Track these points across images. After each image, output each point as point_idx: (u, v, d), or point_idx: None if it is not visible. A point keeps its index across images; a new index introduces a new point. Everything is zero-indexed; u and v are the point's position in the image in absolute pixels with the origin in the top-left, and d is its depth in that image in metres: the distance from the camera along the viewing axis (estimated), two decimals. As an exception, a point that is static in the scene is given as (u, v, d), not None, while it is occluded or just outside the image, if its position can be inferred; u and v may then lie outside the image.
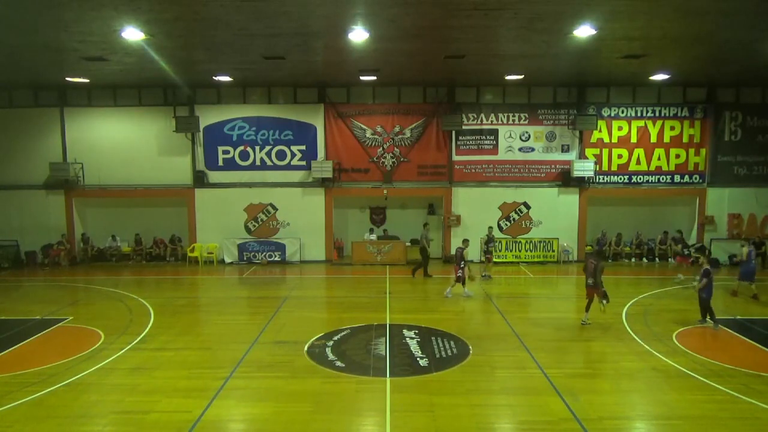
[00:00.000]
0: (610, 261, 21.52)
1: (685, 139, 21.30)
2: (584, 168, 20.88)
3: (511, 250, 21.53)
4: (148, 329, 12.88)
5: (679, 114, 21.21)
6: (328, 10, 11.55)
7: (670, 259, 21.41)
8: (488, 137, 21.44)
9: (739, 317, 13.73)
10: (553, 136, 21.38)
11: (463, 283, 15.91)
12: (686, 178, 21.54)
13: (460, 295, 15.81)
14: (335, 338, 12.07)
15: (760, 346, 11.57)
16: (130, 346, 11.66)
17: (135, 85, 20.79)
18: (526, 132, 21.42)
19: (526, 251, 21.57)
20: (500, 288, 17.35)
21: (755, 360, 10.68)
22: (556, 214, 21.60)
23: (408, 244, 21.68)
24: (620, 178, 21.57)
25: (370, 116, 21.38)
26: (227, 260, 21.63)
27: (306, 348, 11.42)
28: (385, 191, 21.59)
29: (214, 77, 19.03)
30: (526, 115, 21.28)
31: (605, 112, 21.26)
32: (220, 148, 21.56)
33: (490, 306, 15.14)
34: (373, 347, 11.49)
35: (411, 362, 10.64)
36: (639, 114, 21.24)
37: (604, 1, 11.03)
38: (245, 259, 21.61)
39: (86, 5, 10.93)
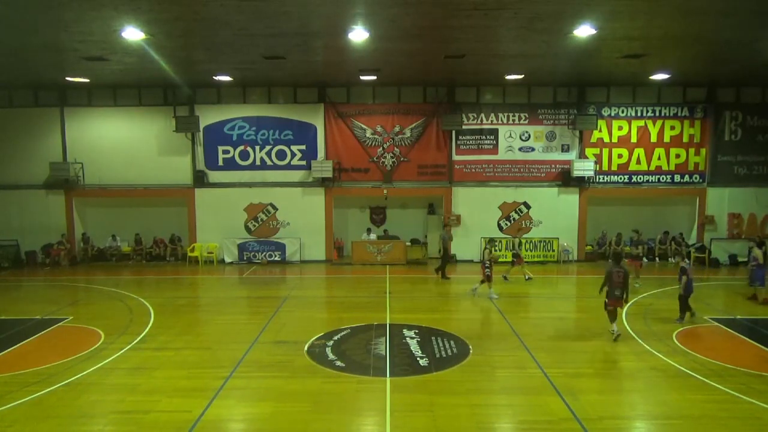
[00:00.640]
0: (609, 261, 21.48)
1: (685, 139, 21.31)
2: (584, 168, 20.88)
3: (511, 250, 21.47)
4: (148, 329, 12.89)
5: (679, 114, 21.21)
6: (328, 10, 11.55)
7: (670, 259, 21.43)
8: (488, 137, 21.44)
9: (739, 317, 13.73)
10: (553, 135, 21.38)
11: (489, 282, 15.76)
12: (686, 178, 21.54)
13: (485, 296, 15.75)
14: (335, 338, 12.07)
15: (760, 345, 11.57)
16: (130, 345, 11.66)
17: (135, 85, 20.80)
18: (526, 132, 21.42)
19: (527, 251, 21.54)
20: (500, 288, 17.31)
21: (756, 360, 10.68)
22: (556, 213, 21.60)
23: (408, 243, 21.69)
24: (620, 178, 21.57)
25: (370, 116, 21.38)
26: (227, 260, 21.63)
27: (306, 348, 11.42)
28: (385, 191, 21.59)
29: (214, 77, 19.04)
30: (526, 114, 21.28)
31: (605, 111, 21.26)
32: (220, 148, 21.56)
33: (491, 306, 15.13)
34: (373, 347, 11.49)
35: (411, 362, 10.64)
36: (639, 114, 21.24)
37: (604, 1, 11.02)
38: (245, 258, 21.61)
39: (86, 5, 10.92)
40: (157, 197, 21.79)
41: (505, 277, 18.33)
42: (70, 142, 21.51)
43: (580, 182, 21.30)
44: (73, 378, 9.85)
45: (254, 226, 21.89)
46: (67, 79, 18.96)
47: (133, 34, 12.89)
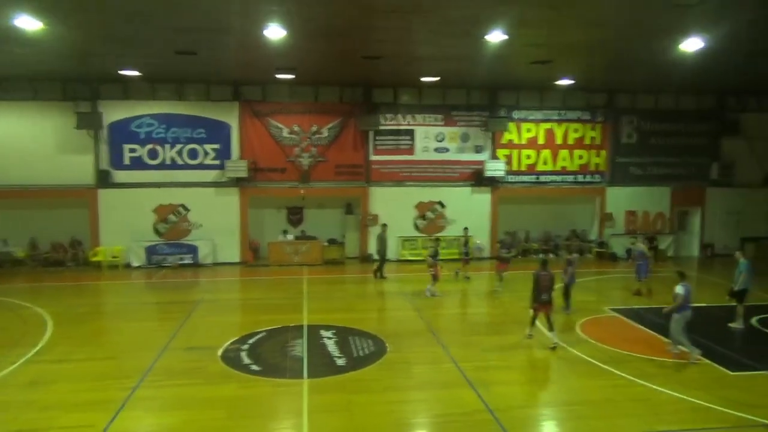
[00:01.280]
0: (519, 257, 22.47)
1: (587, 141, 22.67)
2: (496, 168, 21.69)
3: (427, 248, 21.88)
4: (45, 340, 12.00)
5: (581, 117, 22.53)
6: (241, 6, 11.26)
7: (574, 255, 22.64)
8: (405, 137, 21.77)
9: (635, 307, 14.76)
10: (466, 137, 22.04)
11: (434, 280, 15.95)
12: (588, 178, 22.92)
13: (419, 293, 15.88)
14: (251, 341, 11.80)
15: (654, 333, 12.50)
16: (24, 359, 10.79)
17: (29, 78, 19.29)
18: (441, 133, 21.94)
19: (442, 249, 21.99)
20: (415, 285, 17.61)
21: (649, 346, 11.52)
22: (470, 212, 22.25)
23: (326, 244, 21.58)
24: (529, 178, 22.60)
25: (286, 115, 21.08)
26: (134, 264, 20.54)
27: (220, 353, 11.08)
28: (302, 191, 21.36)
29: (119, 71, 18.02)
30: (442, 116, 21.81)
31: (515, 114, 22.20)
32: (127, 147, 20.44)
33: (406, 303, 15.37)
34: (290, 349, 11.34)
35: (328, 362, 10.61)
36: (546, 117, 22.35)
37: (513, 9, 11.47)
38: (154, 262, 20.62)
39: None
40: (56, 198, 20.26)
41: (467, 277, 18.68)
42: (-47, 139, 19.64)
43: (492, 182, 22.10)
44: (-44, 396, 8.99)
45: (164, 228, 20.94)
46: (-51, 69, 17.31)
47: (27, 23, 11.94)
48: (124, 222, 20.44)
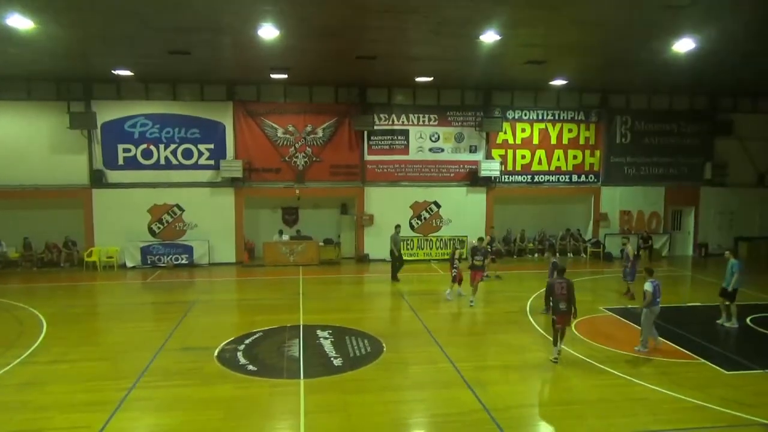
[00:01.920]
0: (514, 257, 22.56)
1: (581, 141, 22.75)
2: (491, 168, 21.74)
3: (422, 248, 21.99)
4: (39, 341, 11.92)
5: (576, 117, 22.61)
6: (234, 6, 11.23)
7: (569, 254, 22.82)
8: (399, 138, 21.77)
9: (629, 306, 14.81)
10: (461, 137, 22.06)
11: (455, 282, 15.68)
12: (583, 178, 23.00)
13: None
14: (247, 342, 11.76)
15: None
16: (18, 360, 10.72)
17: (23, 78, 19.19)
18: (436, 133, 21.96)
19: (437, 249, 22.12)
20: (412, 285, 17.67)
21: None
22: (465, 212, 22.31)
23: (321, 244, 21.56)
24: (524, 178, 22.66)
25: (281, 115, 21.04)
26: (129, 264, 20.46)
27: (216, 353, 11.04)
28: (297, 191, 21.33)
29: (113, 71, 17.94)
30: (436, 116, 21.83)
31: (510, 114, 22.25)
32: (121, 146, 20.36)
33: (403, 303, 15.38)
34: (286, 349, 11.32)
35: (325, 362, 10.59)
36: (540, 117, 22.42)
37: (507, 9, 11.52)
38: (149, 262, 20.55)
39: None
40: (49, 199, 20.15)
41: (497, 276, 18.57)
42: (-55, 139, 19.50)
43: (487, 182, 22.14)
44: (-50, 398, 8.92)
45: (159, 228, 20.86)
46: (-59, 68, 17.18)
47: (19, 22, 11.88)
48: (119, 222, 20.35)
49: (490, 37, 13.37)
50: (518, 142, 22.42)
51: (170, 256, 20.65)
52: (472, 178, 22.16)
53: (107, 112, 20.09)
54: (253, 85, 20.64)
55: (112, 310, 15.42)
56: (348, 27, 12.88)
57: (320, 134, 21.30)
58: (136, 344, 11.71)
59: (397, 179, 21.97)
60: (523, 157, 22.54)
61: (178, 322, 13.31)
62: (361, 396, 9.10)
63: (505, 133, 22.21)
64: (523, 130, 22.40)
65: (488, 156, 22.18)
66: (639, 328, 11.70)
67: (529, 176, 22.66)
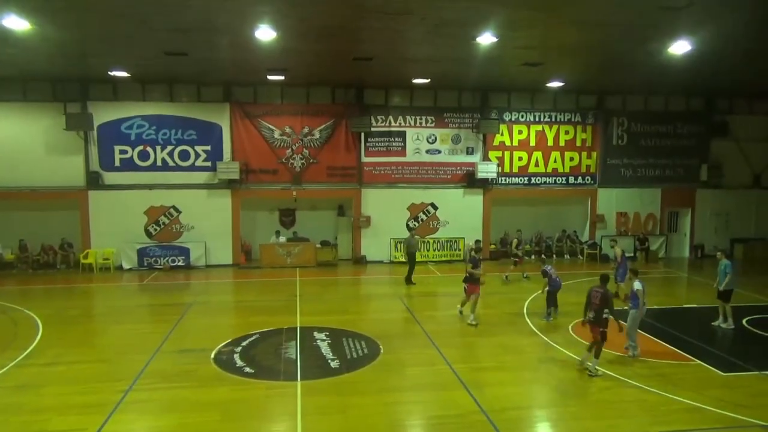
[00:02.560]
0: (511, 259, 22.55)
1: (578, 143, 22.79)
2: (488, 170, 21.75)
3: (419, 250, 21.93)
4: (36, 343, 11.88)
5: (572, 119, 22.65)
6: (233, 6, 11.22)
7: (566, 256, 22.87)
8: (396, 139, 21.78)
9: (625, 308, 14.79)
10: (458, 138, 22.08)
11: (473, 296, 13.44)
12: (579, 180, 23.04)
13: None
14: (243, 344, 11.75)
15: (645, 334, 12.56)
16: (14, 362, 10.68)
17: (19, 79, 19.13)
18: (433, 135, 21.97)
19: (434, 251, 22.13)
20: (409, 287, 17.65)
21: (640, 347, 11.55)
22: (462, 214, 22.32)
23: (318, 245, 21.54)
24: (520, 180, 22.69)
25: (278, 116, 21.03)
26: (125, 266, 20.40)
27: (213, 355, 11.02)
28: (294, 192, 21.31)
29: (109, 72, 17.91)
30: (433, 118, 21.84)
31: (507, 116, 22.28)
32: (117, 148, 20.30)
33: (400, 305, 15.37)
34: (283, 351, 11.31)
35: (322, 364, 10.58)
36: (537, 119, 22.45)
37: (504, 10, 11.54)
38: (146, 264, 20.49)
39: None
40: (45, 200, 20.09)
41: (526, 276, 18.61)
42: (-60, 140, 19.42)
43: (484, 183, 22.16)
44: (-55, 401, 8.88)
45: (155, 230, 20.81)
46: (-63, 69, 17.10)
47: (15, 23, 11.84)
48: (115, 224, 20.29)
49: (486, 39, 13.39)
50: (515, 143, 22.45)
51: (167, 258, 20.61)
52: (469, 180, 22.18)
53: (104, 114, 20.04)
54: (250, 86, 20.63)
55: (108, 312, 15.36)
56: (345, 28, 12.88)
57: (317, 136, 21.30)
58: (132, 346, 11.67)
59: (394, 181, 21.97)
60: (520, 158, 22.56)
61: (174, 324, 13.28)
62: (358, 398, 9.10)
63: (502, 134, 22.22)
64: (520, 132, 22.42)
65: (485, 158, 22.20)
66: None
67: (525, 178, 22.69)
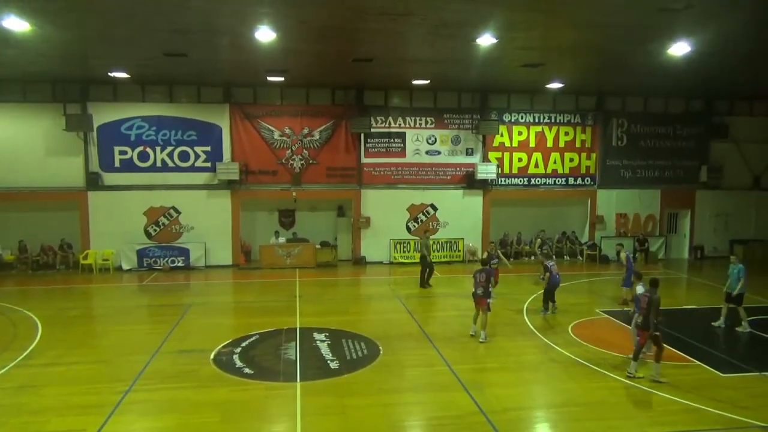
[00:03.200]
0: (511, 259, 22.55)
1: (577, 144, 22.80)
2: (487, 171, 21.76)
3: (419, 251, 21.91)
4: (35, 344, 11.87)
5: (572, 120, 22.66)
6: (233, 8, 11.23)
7: (565, 257, 22.87)
8: (396, 140, 21.79)
9: (627, 309, 14.82)
10: (458, 139, 22.09)
11: (489, 310, 12.36)
12: (579, 181, 23.05)
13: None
14: (243, 344, 11.74)
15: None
16: (14, 363, 10.67)
17: (19, 80, 19.12)
18: (433, 136, 21.98)
19: (434, 251, 22.08)
20: (409, 288, 17.65)
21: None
22: (462, 215, 22.33)
23: (318, 246, 21.53)
24: (520, 181, 22.69)
25: (278, 117, 21.04)
26: (125, 267, 20.39)
27: (212, 356, 11.01)
28: (294, 193, 21.32)
29: (109, 73, 17.91)
30: (433, 119, 21.85)
31: (506, 117, 22.28)
32: (117, 149, 20.31)
33: (400, 306, 15.37)
34: (282, 352, 11.30)
35: (322, 365, 10.58)
36: (537, 120, 22.46)
37: (504, 12, 11.55)
38: (145, 265, 20.48)
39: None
40: (45, 201, 20.10)
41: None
42: (-60, 141, 19.40)
43: (484, 184, 22.17)
44: (-55, 401, 8.87)
45: (155, 230, 20.81)
46: (-63, 70, 17.10)
47: (15, 24, 11.85)
48: (115, 225, 20.29)
49: (486, 40, 13.40)
50: (515, 144, 22.46)
51: (166, 259, 20.60)
52: (469, 181, 22.18)
53: (103, 114, 20.05)
54: (249, 87, 20.63)
55: (108, 312, 15.35)
56: (345, 29, 12.89)
57: (317, 137, 21.30)
58: (132, 347, 11.67)
59: (394, 182, 21.98)
60: (520, 159, 22.58)
61: (174, 325, 13.27)
62: (357, 399, 9.09)
63: (502, 135, 22.24)
64: (520, 133, 22.44)
65: (485, 159, 22.20)
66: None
67: (525, 179, 22.70)
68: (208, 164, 20.77)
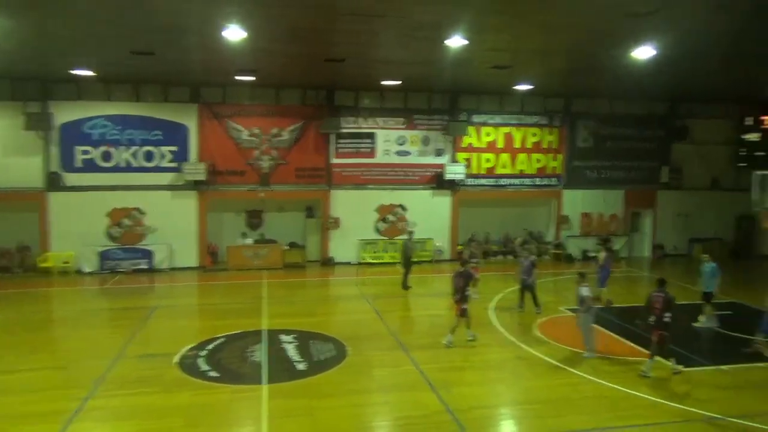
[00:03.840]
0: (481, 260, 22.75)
1: (544, 145, 23.14)
2: (456, 171, 21.91)
3: (387, 251, 21.97)
4: (-10, 349, 11.49)
5: (539, 122, 22.99)
6: (200, 6, 11.04)
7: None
8: (366, 141, 21.76)
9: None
10: (427, 140, 22.19)
11: (464, 316, 11.94)
12: (546, 181, 23.39)
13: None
14: (209, 347, 11.57)
15: (608, 332, 12.83)
16: (-33, 369, 10.31)
17: (-27, 77, 18.51)
18: (403, 136, 22.03)
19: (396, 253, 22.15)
20: (377, 288, 17.65)
21: (603, 345, 11.80)
22: (430, 215, 22.42)
23: (286, 247, 21.35)
24: (488, 181, 22.92)
25: (247, 117, 20.78)
26: (86, 270, 19.82)
27: (177, 360, 10.82)
28: (261, 194, 21.08)
29: (72, 72, 17.42)
30: (403, 120, 21.90)
31: (476, 118, 22.47)
32: (79, 148, 19.76)
33: (367, 306, 15.35)
34: (249, 354, 11.18)
35: (289, 367, 10.51)
36: (505, 121, 22.71)
37: (474, 15, 11.61)
38: (108, 268, 19.97)
39: None
40: (2, 202, 19.37)
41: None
42: None
43: (452, 185, 22.31)
44: None
45: (118, 232, 20.31)
46: None
47: (-30, 19, 11.43)
48: (76, 226, 19.69)
49: (456, 41, 13.47)
50: (483, 145, 22.67)
51: (129, 261, 20.13)
52: (438, 181, 22.29)
53: (66, 113, 19.49)
54: (218, 86, 20.31)
55: (68, 316, 14.92)
56: (316, 30, 12.77)
57: (286, 137, 21.12)
58: (92, 352, 11.39)
59: (364, 182, 21.95)
60: (488, 160, 22.79)
61: (137, 329, 12.99)
62: (325, 400, 9.05)
63: (471, 136, 22.43)
64: (488, 134, 22.66)
65: (454, 159, 22.34)
66: (599, 327, 11.93)
67: (493, 179, 22.93)
68: (174, 164, 20.37)
